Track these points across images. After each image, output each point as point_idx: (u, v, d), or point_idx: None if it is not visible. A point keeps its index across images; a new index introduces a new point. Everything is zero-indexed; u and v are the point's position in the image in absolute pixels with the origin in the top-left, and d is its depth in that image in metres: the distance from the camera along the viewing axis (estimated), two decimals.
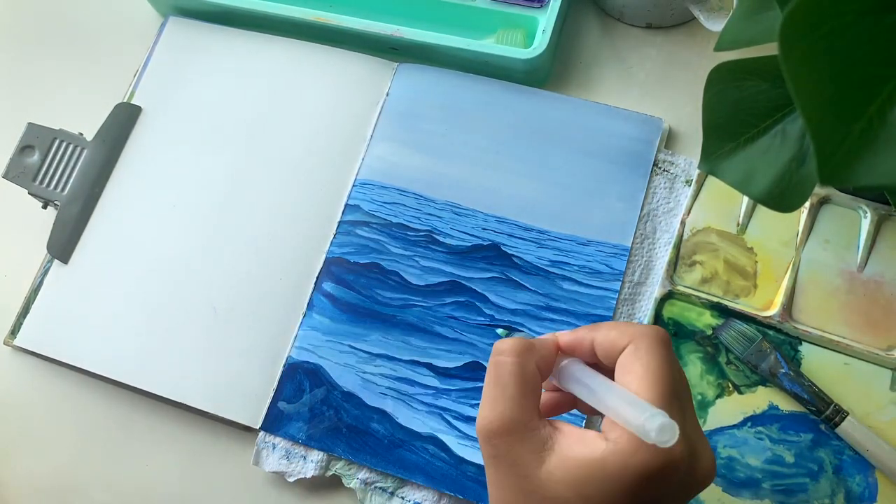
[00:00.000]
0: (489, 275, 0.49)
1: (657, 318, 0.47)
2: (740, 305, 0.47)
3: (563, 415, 0.38)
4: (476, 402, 0.46)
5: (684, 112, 0.52)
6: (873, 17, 0.19)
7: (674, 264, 0.48)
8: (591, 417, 0.46)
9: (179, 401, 0.49)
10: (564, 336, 0.34)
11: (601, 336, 0.33)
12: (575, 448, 0.30)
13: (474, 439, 0.46)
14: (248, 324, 0.50)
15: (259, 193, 0.53)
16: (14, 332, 0.52)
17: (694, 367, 0.46)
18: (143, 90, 0.57)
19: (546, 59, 0.53)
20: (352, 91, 0.55)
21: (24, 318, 0.52)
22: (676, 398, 0.30)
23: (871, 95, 0.19)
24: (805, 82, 0.19)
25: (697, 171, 0.50)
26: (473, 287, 0.49)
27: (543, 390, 0.35)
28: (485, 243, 0.50)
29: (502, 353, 0.32)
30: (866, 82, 0.19)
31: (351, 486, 0.46)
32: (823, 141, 0.20)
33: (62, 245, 0.53)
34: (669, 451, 0.28)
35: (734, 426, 0.45)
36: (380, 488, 0.46)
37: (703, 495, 0.44)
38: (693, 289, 0.48)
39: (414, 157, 0.53)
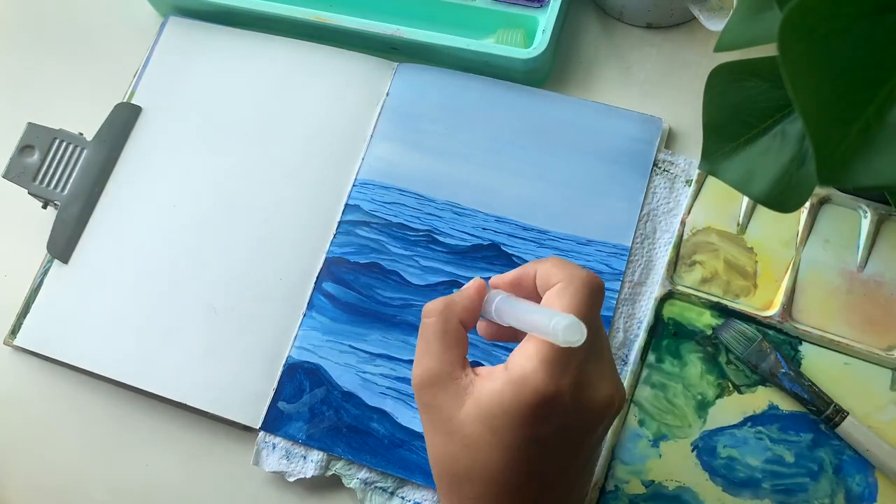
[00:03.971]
0: (489, 275, 0.49)
1: (657, 318, 0.47)
2: (740, 305, 0.47)
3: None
4: None
5: (684, 112, 0.52)
6: (871, 18, 0.19)
7: (674, 264, 0.48)
8: None
9: (179, 401, 0.49)
10: (507, 273, 0.37)
11: (543, 269, 0.35)
12: (485, 385, 0.33)
13: None
14: (248, 324, 0.50)
15: (259, 193, 0.53)
16: (14, 332, 0.52)
17: (694, 367, 0.46)
18: (143, 90, 0.57)
19: (546, 59, 0.53)
20: (352, 91, 0.55)
21: (24, 318, 0.52)
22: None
23: (869, 97, 0.19)
24: (803, 84, 0.19)
25: (697, 171, 0.50)
26: None
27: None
28: (485, 243, 0.50)
29: (427, 315, 0.36)
30: (864, 84, 0.19)
31: (351, 485, 0.46)
32: (822, 142, 0.20)
33: (62, 245, 0.53)
34: (558, 379, 0.31)
35: (734, 426, 0.45)
36: (380, 488, 0.46)
37: (703, 495, 0.44)
38: (693, 289, 0.48)
39: (414, 156, 0.53)
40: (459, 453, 0.33)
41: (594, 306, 0.34)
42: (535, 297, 0.36)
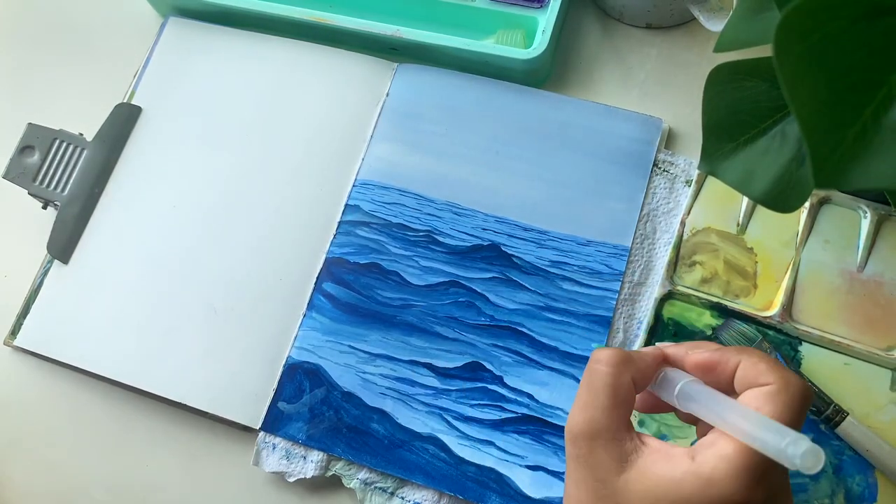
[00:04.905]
0: (489, 275, 0.49)
1: (657, 319, 0.47)
2: (740, 305, 0.47)
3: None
4: (475, 402, 0.47)
5: (684, 112, 0.52)
6: (867, 22, 0.19)
7: (674, 264, 0.48)
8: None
9: (179, 401, 0.49)
10: (700, 353, 0.33)
11: (750, 363, 0.32)
12: (658, 463, 0.30)
13: (474, 439, 0.46)
14: (248, 324, 0.50)
15: (259, 193, 0.53)
16: (14, 332, 0.52)
17: None
18: (143, 90, 0.57)
19: (546, 59, 0.53)
20: (352, 91, 0.55)
21: (24, 318, 0.52)
22: None
23: (865, 100, 0.19)
24: (800, 87, 0.19)
25: (697, 172, 0.50)
26: (473, 287, 0.49)
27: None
28: (485, 243, 0.50)
29: (599, 362, 0.33)
30: (860, 87, 0.19)
31: (351, 486, 0.46)
32: (818, 145, 0.20)
33: (62, 245, 0.53)
34: (753, 491, 0.28)
35: None
36: (380, 488, 0.46)
37: None
38: (693, 289, 0.47)
39: (414, 157, 0.53)
40: None
41: (803, 420, 0.31)
42: (727, 388, 0.33)
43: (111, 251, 0.53)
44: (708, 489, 0.29)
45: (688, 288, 0.48)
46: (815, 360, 0.45)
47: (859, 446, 0.43)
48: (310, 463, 0.47)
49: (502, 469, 0.45)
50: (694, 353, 0.34)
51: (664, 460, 0.30)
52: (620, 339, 0.47)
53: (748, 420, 0.29)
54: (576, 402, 0.33)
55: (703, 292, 0.47)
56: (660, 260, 0.49)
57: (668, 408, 0.35)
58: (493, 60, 0.53)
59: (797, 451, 0.26)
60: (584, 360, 0.46)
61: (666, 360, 0.35)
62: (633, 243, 0.49)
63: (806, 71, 0.19)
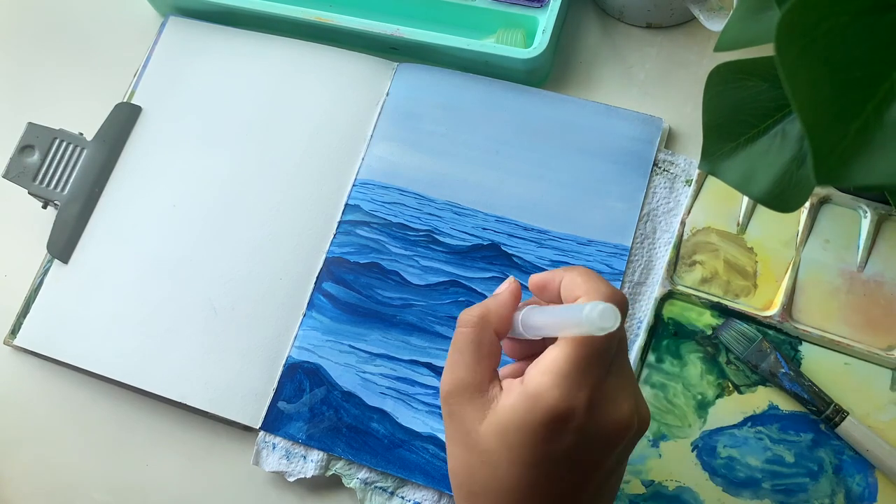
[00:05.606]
0: (489, 274, 0.49)
1: (657, 318, 0.47)
2: (740, 305, 0.47)
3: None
4: None
5: (684, 112, 0.52)
6: (869, 17, 0.19)
7: (674, 264, 0.48)
8: None
9: (179, 401, 0.49)
10: (536, 276, 0.36)
11: (568, 279, 0.34)
12: (502, 398, 0.32)
13: None
14: (248, 324, 0.50)
15: (259, 193, 0.53)
16: (14, 332, 0.52)
17: (694, 367, 0.46)
18: (143, 90, 0.57)
19: (546, 59, 0.53)
20: (352, 91, 0.55)
21: (24, 318, 0.52)
22: (605, 352, 0.32)
23: (867, 95, 0.19)
24: (801, 83, 0.19)
25: (697, 171, 0.50)
26: (473, 287, 0.49)
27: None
28: (485, 243, 0.50)
29: (462, 325, 0.35)
30: (862, 82, 0.19)
31: (351, 485, 0.46)
32: (820, 141, 0.20)
33: (62, 245, 0.53)
34: (573, 395, 0.30)
35: (734, 426, 0.45)
36: (380, 488, 0.46)
37: (703, 495, 0.44)
38: (693, 289, 0.47)
39: (414, 156, 0.53)
40: (477, 468, 0.33)
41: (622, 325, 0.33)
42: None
43: (111, 251, 0.53)
44: (536, 404, 0.30)
45: (688, 288, 0.48)
46: (815, 360, 0.45)
47: (859, 446, 0.43)
48: (310, 462, 0.47)
49: None
50: (532, 276, 0.36)
51: (506, 394, 0.32)
52: None
53: (559, 312, 0.32)
54: (446, 365, 0.35)
55: (703, 292, 0.47)
56: (660, 260, 0.49)
57: (536, 349, 0.36)
58: (493, 60, 0.53)
59: (595, 313, 0.28)
60: None
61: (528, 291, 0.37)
62: (633, 243, 0.49)
63: (808, 66, 0.19)
